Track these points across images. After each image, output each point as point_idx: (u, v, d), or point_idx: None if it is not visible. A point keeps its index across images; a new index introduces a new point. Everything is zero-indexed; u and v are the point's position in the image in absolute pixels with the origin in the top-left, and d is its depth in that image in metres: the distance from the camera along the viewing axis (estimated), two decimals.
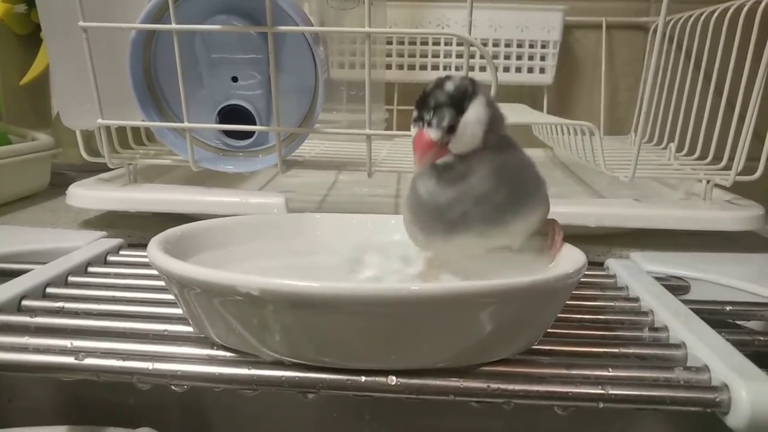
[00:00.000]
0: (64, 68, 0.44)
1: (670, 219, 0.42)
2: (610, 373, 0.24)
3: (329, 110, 0.65)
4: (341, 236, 0.34)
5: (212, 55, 0.41)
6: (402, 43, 0.73)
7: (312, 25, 0.42)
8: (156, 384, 0.25)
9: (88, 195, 0.44)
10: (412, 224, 0.29)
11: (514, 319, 0.23)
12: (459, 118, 0.25)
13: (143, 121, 0.43)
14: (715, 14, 0.53)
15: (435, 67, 0.73)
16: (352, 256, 0.31)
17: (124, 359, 0.24)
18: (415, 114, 0.26)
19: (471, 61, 0.68)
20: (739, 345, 0.26)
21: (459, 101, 0.25)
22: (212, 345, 0.25)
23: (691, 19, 0.59)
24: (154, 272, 0.25)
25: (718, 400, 0.23)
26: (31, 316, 0.29)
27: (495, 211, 0.26)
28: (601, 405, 0.23)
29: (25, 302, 0.30)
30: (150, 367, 0.24)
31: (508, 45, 0.72)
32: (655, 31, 0.70)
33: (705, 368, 0.24)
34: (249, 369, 0.24)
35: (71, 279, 0.34)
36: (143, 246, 0.28)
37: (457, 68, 0.72)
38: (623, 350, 0.27)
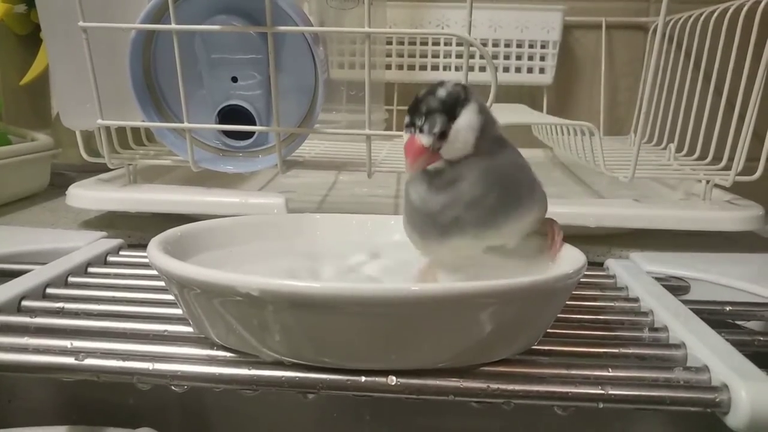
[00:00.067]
0: (64, 68, 0.44)
1: (669, 219, 0.42)
2: (610, 373, 0.24)
3: (329, 110, 0.65)
4: (341, 236, 0.34)
5: (212, 55, 0.41)
6: (402, 43, 0.73)
7: (312, 26, 0.42)
8: (156, 384, 0.25)
9: (87, 195, 0.44)
10: (408, 227, 0.29)
11: (514, 320, 0.23)
12: (451, 125, 0.25)
13: (143, 121, 0.43)
14: (715, 14, 0.53)
15: (435, 68, 0.73)
16: (352, 256, 0.31)
17: (124, 360, 0.24)
18: (407, 119, 0.26)
19: (471, 61, 0.69)
20: (738, 345, 0.26)
21: (451, 108, 0.25)
22: (212, 345, 0.25)
23: (691, 19, 0.59)
24: (154, 273, 0.25)
25: (718, 400, 0.23)
26: (31, 317, 0.29)
27: (487, 214, 0.26)
28: (601, 405, 0.23)
29: (25, 303, 0.30)
30: (150, 368, 0.24)
31: (507, 45, 0.72)
32: (654, 31, 0.70)
33: (705, 368, 0.24)
34: (249, 369, 0.24)
35: (71, 279, 0.34)
36: (143, 246, 0.28)
37: (457, 68, 0.72)
38: (623, 350, 0.27)
